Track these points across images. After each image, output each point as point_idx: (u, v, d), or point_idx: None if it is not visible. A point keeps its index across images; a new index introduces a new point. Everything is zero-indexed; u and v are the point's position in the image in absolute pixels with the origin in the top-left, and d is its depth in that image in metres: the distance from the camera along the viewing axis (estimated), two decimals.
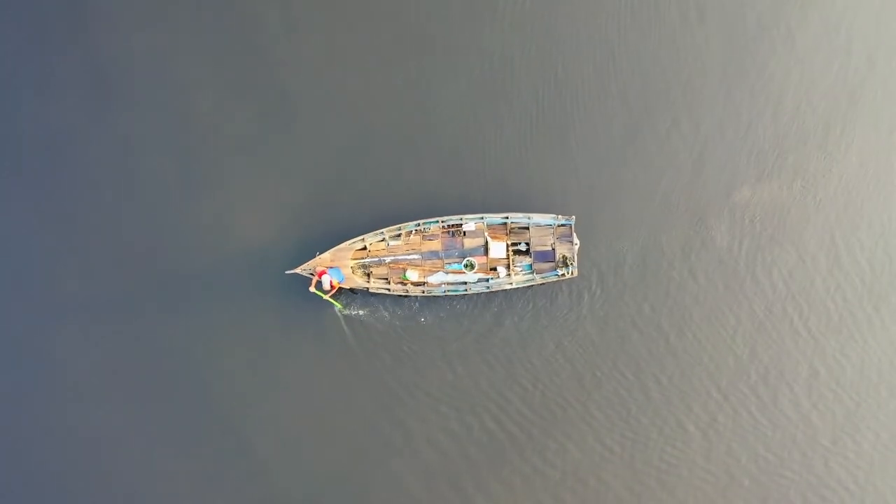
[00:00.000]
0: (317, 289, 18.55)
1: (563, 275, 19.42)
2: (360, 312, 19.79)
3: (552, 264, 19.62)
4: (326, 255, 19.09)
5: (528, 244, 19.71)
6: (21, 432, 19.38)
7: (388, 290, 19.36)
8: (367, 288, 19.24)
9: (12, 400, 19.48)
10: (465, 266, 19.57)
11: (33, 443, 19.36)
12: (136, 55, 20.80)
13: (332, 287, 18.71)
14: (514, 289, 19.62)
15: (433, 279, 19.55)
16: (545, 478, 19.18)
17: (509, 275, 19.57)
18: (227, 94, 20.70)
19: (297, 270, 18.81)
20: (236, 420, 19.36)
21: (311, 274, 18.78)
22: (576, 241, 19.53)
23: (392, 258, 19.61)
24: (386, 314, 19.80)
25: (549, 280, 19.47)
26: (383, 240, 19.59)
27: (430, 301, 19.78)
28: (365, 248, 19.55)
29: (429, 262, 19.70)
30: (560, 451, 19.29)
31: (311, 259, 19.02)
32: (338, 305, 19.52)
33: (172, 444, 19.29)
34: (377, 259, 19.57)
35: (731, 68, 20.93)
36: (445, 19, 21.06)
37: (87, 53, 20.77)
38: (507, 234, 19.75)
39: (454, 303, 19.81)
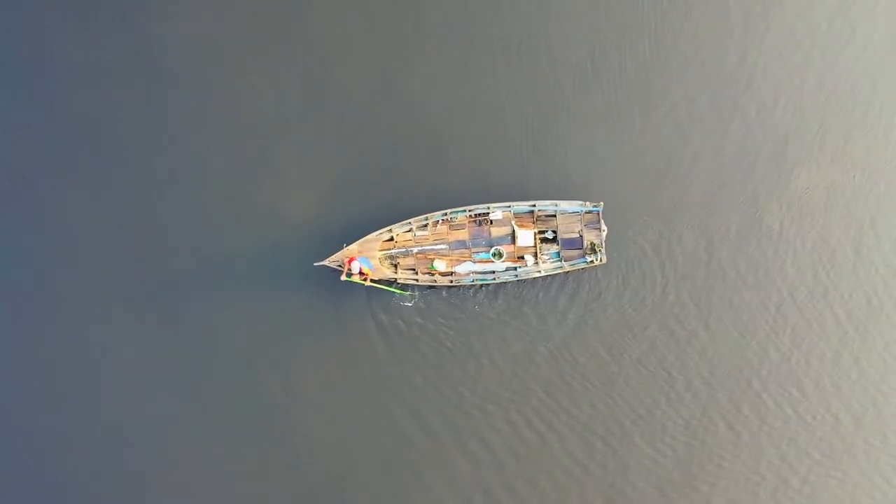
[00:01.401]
0: (348, 276, 18.59)
1: (592, 261, 19.29)
2: (409, 304, 19.84)
3: (580, 251, 19.49)
4: (354, 247, 19.10)
5: (555, 232, 19.60)
6: (61, 415, 19.57)
7: (416, 280, 19.34)
8: (396, 279, 19.24)
9: (54, 385, 19.68)
10: (493, 255, 19.50)
11: (73, 424, 19.55)
12: (185, 40, 20.88)
13: (362, 273, 18.67)
14: (543, 276, 19.53)
15: (461, 269, 19.50)
16: (584, 476, 19.16)
17: (537, 263, 19.47)
18: (272, 82, 20.85)
19: (326, 262, 18.81)
20: (265, 411, 19.52)
21: (340, 266, 18.79)
22: (603, 227, 19.39)
23: (419, 248, 19.58)
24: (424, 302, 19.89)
25: (578, 267, 19.34)
26: (410, 230, 19.57)
27: (457, 288, 19.81)
28: (392, 239, 19.54)
29: (456, 251, 19.65)
30: (599, 450, 19.21)
31: (338, 251, 19.00)
32: (397, 290, 19.50)
33: (205, 427, 19.48)
34: (404, 250, 19.56)
35: (768, 49, 20.75)
36: (469, 6, 21.05)
37: (137, 37, 20.89)
38: (533, 222, 19.66)
39: (481, 292, 19.79)
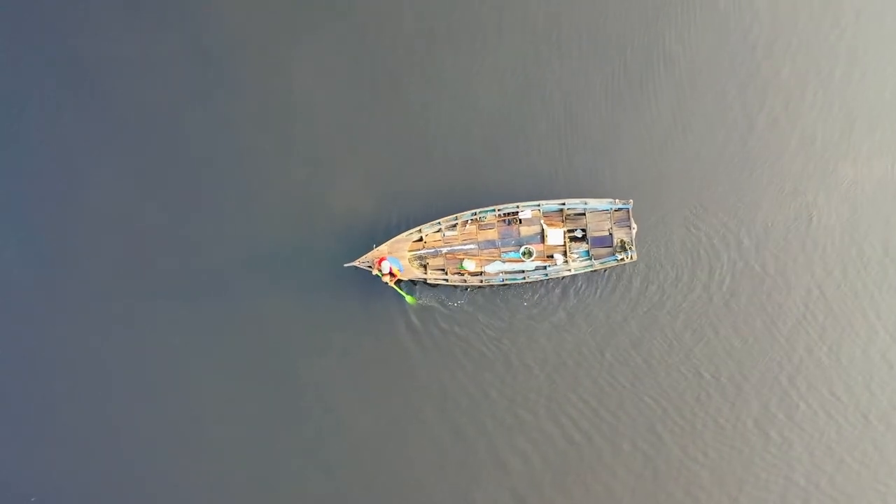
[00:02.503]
0: (378, 273, 18.65)
1: (622, 259, 19.22)
2: (435, 305, 19.77)
3: (610, 249, 19.43)
4: (384, 247, 19.10)
5: (584, 230, 19.54)
6: (98, 404, 19.70)
7: (446, 280, 19.32)
8: (425, 279, 19.23)
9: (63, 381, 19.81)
10: (523, 254, 19.46)
11: (110, 412, 19.64)
12: (235, 35, 20.97)
13: (392, 273, 18.68)
14: (573, 275, 19.47)
15: (490, 268, 19.46)
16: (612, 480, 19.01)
17: (567, 262, 19.41)
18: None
19: (356, 263, 18.81)
20: (294, 425, 19.53)
21: (370, 266, 18.82)
22: (633, 225, 19.31)
23: (448, 248, 19.57)
24: (462, 307, 19.80)
25: (609, 265, 19.28)
26: (439, 230, 19.56)
27: (491, 289, 19.77)
28: (421, 240, 19.54)
29: (486, 251, 19.62)
30: (628, 453, 19.04)
31: (368, 252, 18.97)
32: (409, 298, 19.47)
33: (232, 428, 19.49)
34: (434, 250, 19.55)
35: (798, 40, 20.70)
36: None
37: (188, 33, 21.00)
38: (563, 221, 19.61)
39: (515, 292, 19.72)
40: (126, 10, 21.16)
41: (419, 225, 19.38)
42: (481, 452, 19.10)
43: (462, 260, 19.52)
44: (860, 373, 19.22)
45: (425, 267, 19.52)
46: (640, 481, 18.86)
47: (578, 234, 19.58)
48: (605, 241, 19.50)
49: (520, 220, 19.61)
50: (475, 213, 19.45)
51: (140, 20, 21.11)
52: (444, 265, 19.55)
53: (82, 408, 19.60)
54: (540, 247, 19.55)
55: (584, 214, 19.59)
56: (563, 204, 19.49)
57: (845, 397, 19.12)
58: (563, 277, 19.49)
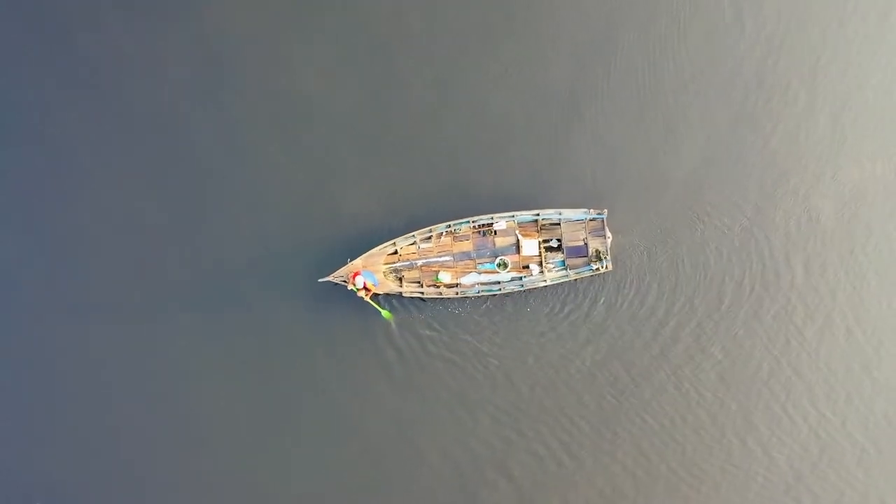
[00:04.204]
0: (354, 288, 18.71)
1: (598, 269, 19.13)
2: (421, 316, 19.81)
3: (585, 259, 19.32)
4: (358, 262, 19.15)
5: (559, 240, 19.42)
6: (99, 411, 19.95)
7: (422, 293, 19.41)
8: (401, 293, 19.35)
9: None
10: (499, 265, 19.46)
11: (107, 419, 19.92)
12: (243, 36, 20.83)
13: (366, 288, 18.77)
14: (549, 286, 19.41)
15: (466, 280, 19.51)
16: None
17: (542, 272, 19.36)
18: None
19: (330, 278, 18.86)
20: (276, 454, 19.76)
21: (345, 281, 18.96)
22: (608, 234, 19.18)
23: (424, 261, 19.63)
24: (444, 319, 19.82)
25: (584, 275, 19.22)
26: (414, 243, 19.56)
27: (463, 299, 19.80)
28: (396, 253, 19.59)
29: (461, 263, 19.64)
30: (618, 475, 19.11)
31: (342, 266, 18.99)
32: (385, 313, 19.57)
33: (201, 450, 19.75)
34: (409, 263, 19.63)
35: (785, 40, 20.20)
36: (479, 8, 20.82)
37: (195, 34, 20.88)
38: (538, 232, 19.53)
39: (486, 303, 19.75)
40: (129, 9, 20.97)
41: (393, 238, 19.40)
42: (467, 470, 19.35)
43: (437, 272, 19.58)
44: (855, 386, 19.03)
45: (401, 280, 19.64)
46: (622, 498, 19.01)
47: (554, 244, 19.50)
48: (581, 251, 19.41)
49: (495, 232, 19.56)
50: (450, 226, 19.42)
51: (143, 18, 20.90)
52: (419, 278, 19.60)
53: (85, 410, 19.80)
54: (515, 258, 19.52)
55: (559, 225, 19.47)
56: (538, 215, 19.42)
57: (834, 411, 18.94)
58: (539, 288, 19.45)
